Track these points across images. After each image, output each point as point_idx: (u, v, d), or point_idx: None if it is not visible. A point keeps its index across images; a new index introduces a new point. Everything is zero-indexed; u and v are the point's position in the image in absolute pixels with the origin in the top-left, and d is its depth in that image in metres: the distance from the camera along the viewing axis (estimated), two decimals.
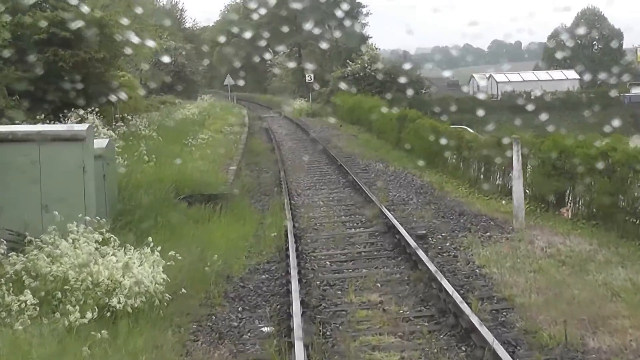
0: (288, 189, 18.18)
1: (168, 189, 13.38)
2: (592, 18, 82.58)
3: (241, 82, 66.55)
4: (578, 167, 13.30)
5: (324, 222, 14.31)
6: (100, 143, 11.71)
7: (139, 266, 8.34)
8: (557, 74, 59.76)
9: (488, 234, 12.25)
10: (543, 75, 59.94)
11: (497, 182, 17.98)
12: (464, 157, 20.75)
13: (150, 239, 8.76)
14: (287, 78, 75.27)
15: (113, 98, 25.88)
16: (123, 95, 28.02)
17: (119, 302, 7.77)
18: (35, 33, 21.60)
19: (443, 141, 22.73)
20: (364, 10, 73.25)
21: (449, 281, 8.98)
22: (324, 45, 64.68)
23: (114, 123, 24.72)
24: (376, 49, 63.88)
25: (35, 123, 19.83)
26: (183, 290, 8.63)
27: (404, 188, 18.37)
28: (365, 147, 28.48)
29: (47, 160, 10.02)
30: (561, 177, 14.23)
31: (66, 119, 20.21)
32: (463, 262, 10.44)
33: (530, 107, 50.21)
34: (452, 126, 28.30)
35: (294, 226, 13.33)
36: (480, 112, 50.95)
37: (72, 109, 20.70)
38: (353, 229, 13.54)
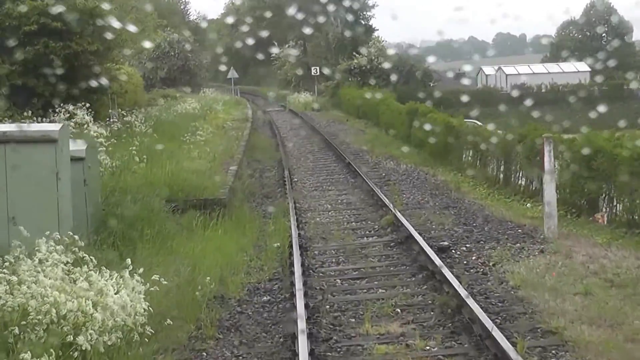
0: (293, 191, 16.81)
1: (159, 194, 12.00)
2: (601, 10, 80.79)
3: (241, 75, 65.32)
4: (617, 167, 11.90)
5: (332, 229, 12.93)
6: (80, 144, 10.37)
7: (115, 294, 6.99)
8: (567, 66, 58.11)
9: (518, 245, 10.85)
10: (553, 67, 58.29)
11: (519, 182, 16.61)
12: (481, 155, 19.39)
13: (128, 261, 7.33)
14: (292, 71, 73.75)
15: (108, 92, 24.62)
16: (117, 89, 26.73)
17: (88, 340, 6.41)
18: (25, 24, 20.31)
19: (454, 138, 21.46)
20: (370, 2, 71.62)
21: (482, 307, 7.61)
22: (329, 38, 63.16)
23: (109, 119, 23.42)
24: (382, 41, 62.49)
25: (23, 119, 18.58)
26: (169, 321, 7.28)
27: (418, 189, 16.98)
28: (373, 142, 27.05)
29: (14, 165, 8.68)
30: (596, 179, 12.85)
31: (55, 115, 18.91)
32: (495, 282, 9.04)
33: (541, 100, 48.59)
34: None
35: (299, 235, 11.97)
36: (490, 106, 49.65)
37: (63, 104, 19.44)
38: (365, 238, 12.15)
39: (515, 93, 50.71)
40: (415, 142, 25.48)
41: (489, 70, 60.66)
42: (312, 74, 51.74)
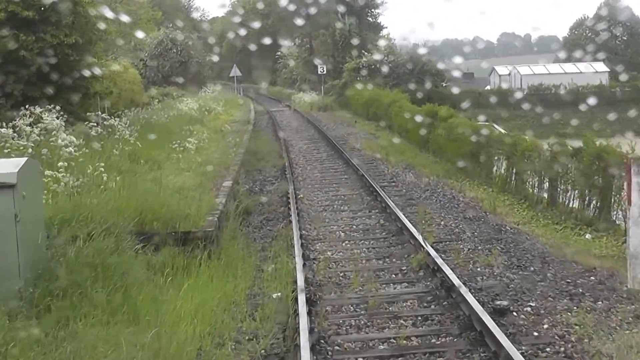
0: (298, 212, 14.07)
1: (127, 226, 9.29)
2: (615, 8, 77.86)
3: (245, 74, 62.79)
4: None
5: (348, 270, 10.20)
6: (11, 164, 7.66)
7: None
8: (584, 67, 55.19)
9: (601, 303, 8.13)
10: (570, 67, 55.36)
11: (570, 203, 13.87)
12: (516, 168, 16.67)
13: None
14: (297, 70, 70.99)
15: (90, 91, 21.96)
16: (101, 89, 24.10)
17: None
18: None
19: (482, 146, 18.78)
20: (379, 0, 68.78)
21: None
22: (336, 35, 60.37)
23: (90, 122, 20.72)
24: (392, 39, 59.82)
25: None
26: None
27: (447, 211, 14.25)
28: (387, 149, 24.31)
29: None
30: None
31: (20, 119, 16.23)
32: None
33: (560, 102, 45.86)
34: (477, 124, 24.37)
35: (306, 279, 9.25)
36: (506, 107, 46.92)
37: (36, 105, 16.79)
38: (392, 287, 9.39)
39: (531, 94, 47.98)
40: (434, 148, 22.76)
41: (502, 70, 57.83)
42: (319, 72, 48.91)
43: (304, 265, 10.02)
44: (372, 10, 67.65)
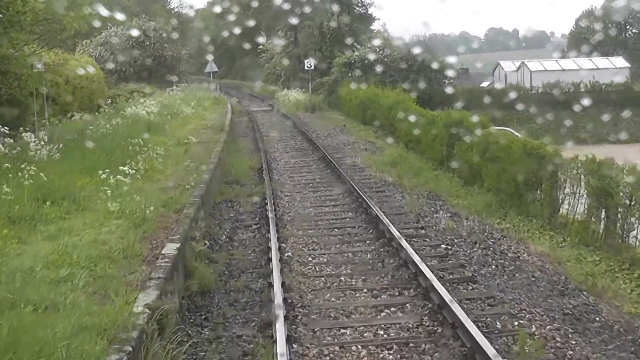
0: (287, 302, 8.55)
1: None
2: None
3: (226, 69, 57.33)
4: None
5: None
6: None
7: None
8: (602, 62, 49.96)
9: None
10: (586, 63, 50.10)
11: None
12: (606, 205, 11.31)
13: None
14: (280, 65, 65.20)
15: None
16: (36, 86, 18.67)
17: None
18: None
19: (536, 169, 13.47)
20: None
21: None
22: (323, 27, 54.73)
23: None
24: (387, 32, 54.42)
25: None
26: None
27: (521, 289, 8.87)
28: (398, 167, 18.91)
29: None
30: None
31: None
32: None
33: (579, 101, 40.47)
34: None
35: None
36: (516, 108, 41.54)
37: None
38: None
39: (546, 92, 42.62)
40: (463, 169, 17.33)
41: (508, 66, 52.44)
42: (305, 68, 43.24)
43: None
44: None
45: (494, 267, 10.05)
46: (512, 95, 38.92)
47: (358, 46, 45.83)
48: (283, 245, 11.31)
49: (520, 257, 10.65)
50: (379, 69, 40.96)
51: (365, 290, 9.09)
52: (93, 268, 7.92)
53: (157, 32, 59.97)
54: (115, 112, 24.56)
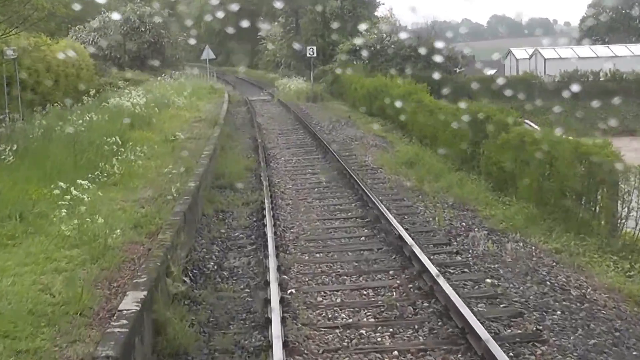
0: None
1: None
2: None
3: (224, 56, 54.94)
4: None
5: None
6: None
7: None
8: (621, 50, 47.36)
9: None
10: (603, 50, 47.48)
11: None
12: None
13: None
14: (281, 52, 62.60)
15: None
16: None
17: None
18: None
19: (585, 175, 11.18)
20: None
21: None
22: (326, 12, 52.10)
23: None
24: (394, 16, 51.90)
25: None
26: None
27: (621, 357, 6.52)
28: (415, 168, 16.57)
29: None
30: None
31: None
32: None
33: (601, 91, 38.05)
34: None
35: None
36: (532, 98, 39.00)
37: None
38: None
39: (563, 82, 40.07)
40: (488, 170, 14.95)
41: (520, 53, 49.82)
42: (307, 55, 40.75)
43: None
44: None
45: (559, 313, 7.70)
46: (513, 87, 36.50)
47: (363, 32, 43.32)
48: (285, 277, 8.96)
49: (587, 296, 8.31)
50: (384, 56, 38.46)
51: (395, 352, 6.74)
52: (17, 336, 5.59)
53: (153, 19, 57.58)
54: (98, 102, 22.11)
